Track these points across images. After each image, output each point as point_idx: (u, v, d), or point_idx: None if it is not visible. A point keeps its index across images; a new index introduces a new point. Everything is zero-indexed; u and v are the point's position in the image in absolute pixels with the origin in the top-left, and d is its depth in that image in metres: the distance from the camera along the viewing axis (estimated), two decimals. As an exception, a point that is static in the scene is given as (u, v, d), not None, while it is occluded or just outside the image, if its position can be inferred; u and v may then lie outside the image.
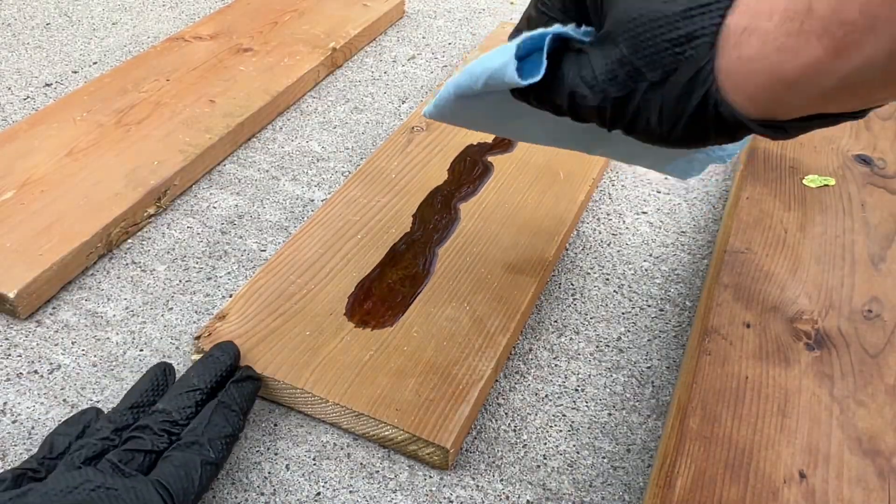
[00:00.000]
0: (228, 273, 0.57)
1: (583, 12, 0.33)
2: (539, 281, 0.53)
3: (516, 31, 0.35)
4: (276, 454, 0.45)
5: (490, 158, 0.64)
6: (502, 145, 0.66)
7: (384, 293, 0.51)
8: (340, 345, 0.47)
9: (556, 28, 0.32)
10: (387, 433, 0.44)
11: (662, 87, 0.29)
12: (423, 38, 0.89)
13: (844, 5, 0.24)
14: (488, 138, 0.66)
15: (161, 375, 0.43)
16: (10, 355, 0.50)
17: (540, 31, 0.32)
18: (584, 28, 0.32)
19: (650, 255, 0.60)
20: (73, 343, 0.51)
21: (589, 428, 0.47)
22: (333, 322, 0.49)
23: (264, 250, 0.59)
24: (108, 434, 0.39)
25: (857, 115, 0.30)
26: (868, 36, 0.24)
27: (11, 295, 0.50)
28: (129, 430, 0.39)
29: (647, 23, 0.29)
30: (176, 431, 0.39)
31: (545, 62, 0.32)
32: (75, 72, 0.80)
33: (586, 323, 0.54)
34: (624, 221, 0.63)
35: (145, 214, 0.60)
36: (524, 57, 0.32)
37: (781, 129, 0.29)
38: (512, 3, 0.81)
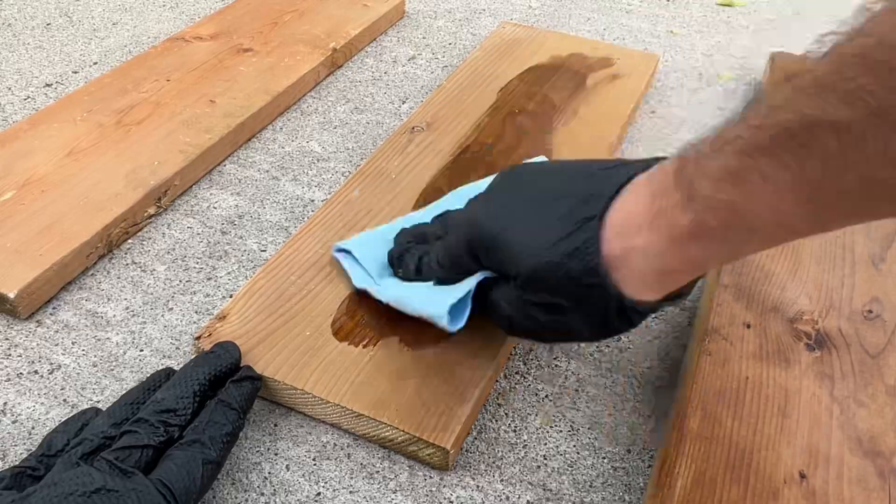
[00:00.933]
0: (228, 273, 0.57)
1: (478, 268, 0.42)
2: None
3: (436, 279, 0.45)
4: (276, 454, 0.45)
5: (490, 157, 0.64)
6: (502, 145, 0.66)
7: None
8: (340, 345, 0.47)
9: (477, 278, 0.41)
10: (387, 434, 0.44)
11: (581, 308, 0.37)
12: (423, 38, 0.89)
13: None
14: (488, 138, 0.66)
15: (164, 378, 0.43)
16: (10, 355, 0.50)
17: (465, 291, 0.41)
18: (489, 274, 0.41)
19: (650, 256, 0.60)
20: (73, 343, 0.51)
21: (589, 428, 0.47)
22: (334, 323, 0.49)
23: (264, 250, 0.59)
24: (106, 429, 0.38)
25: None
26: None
27: (11, 295, 0.50)
28: (126, 424, 0.39)
29: (548, 272, 0.36)
30: (174, 423, 0.39)
31: (466, 317, 0.42)
32: (76, 72, 0.80)
33: (586, 323, 0.54)
34: (624, 222, 0.63)
35: (145, 214, 0.60)
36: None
37: (679, 296, 0.38)
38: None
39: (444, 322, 0.42)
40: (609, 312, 0.37)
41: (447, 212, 0.50)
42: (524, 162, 0.53)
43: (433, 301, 0.43)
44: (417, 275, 0.46)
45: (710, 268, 0.36)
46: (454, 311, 0.42)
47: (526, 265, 0.37)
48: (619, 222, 0.35)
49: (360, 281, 0.49)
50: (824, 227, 0.32)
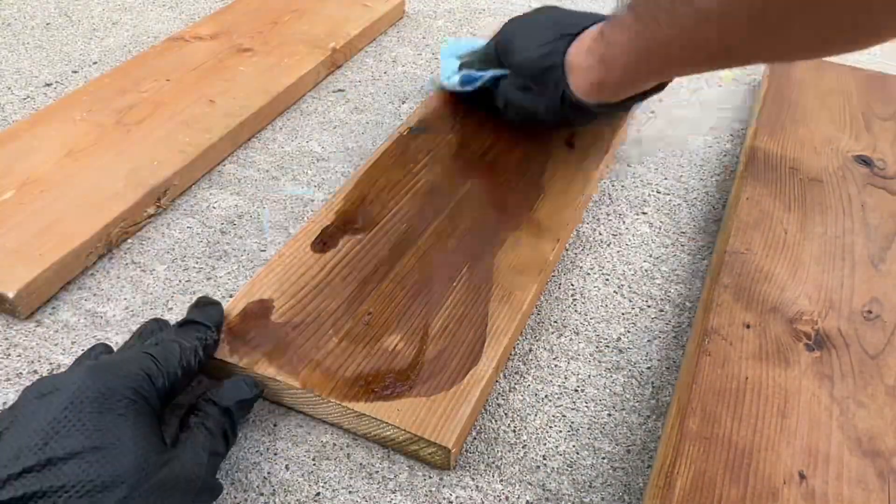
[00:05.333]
0: (228, 273, 0.57)
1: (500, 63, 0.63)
2: (539, 281, 0.53)
3: (466, 65, 0.68)
4: (275, 454, 0.45)
5: (489, 157, 0.64)
6: (501, 145, 0.66)
7: (385, 293, 0.51)
8: (341, 345, 0.47)
9: (494, 72, 0.63)
10: (388, 433, 0.44)
11: (543, 93, 0.58)
12: (423, 38, 0.89)
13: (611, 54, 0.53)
14: (488, 138, 0.66)
15: (156, 328, 0.47)
16: (9, 355, 0.50)
17: (489, 73, 0.64)
18: (502, 70, 0.63)
19: (650, 256, 0.60)
20: (72, 343, 0.51)
21: (589, 428, 0.47)
22: (335, 322, 0.49)
23: (264, 250, 0.59)
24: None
25: (641, 96, 0.57)
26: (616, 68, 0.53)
27: (11, 295, 0.50)
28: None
29: (528, 64, 0.59)
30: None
31: (478, 84, 0.65)
32: (75, 72, 0.80)
33: (586, 323, 0.54)
34: (624, 222, 0.63)
35: (145, 214, 0.60)
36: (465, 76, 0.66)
37: (614, 107, 0.57)
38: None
39: (454, 81, 0.67)
40: (561, 100, 0.57)
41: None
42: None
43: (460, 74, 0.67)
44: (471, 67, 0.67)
45: (616, 85, 0.54)
46: (467, 80, 0.66)
47: (518, 56, 0.60)
48: (577, 45, 0.56)
49: (444, 76, 0.70)
50: (658, 70, 0.52)
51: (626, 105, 0.57)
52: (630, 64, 0.51)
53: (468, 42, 0.72)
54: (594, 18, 0.57)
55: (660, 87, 0.57)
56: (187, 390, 0.44)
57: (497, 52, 0.63)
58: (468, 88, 0.65)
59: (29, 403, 0.36)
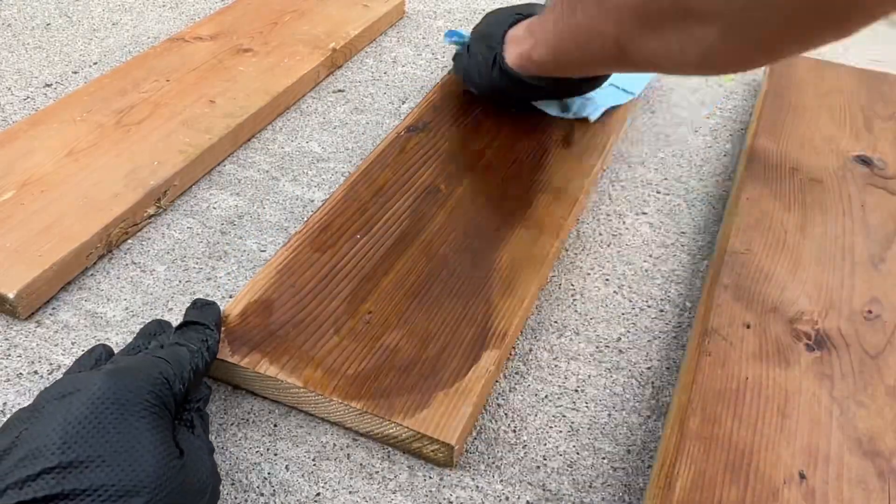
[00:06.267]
0: (228, 274, 0.57)
1: None
2: (539, 278, 0.53)
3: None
4: (275, 455, 0.45)
5: (488, 156, 0.64)
6: (499, 143, 0.66)
7: (385, 292, 0.51)
8: (343, 343, 0.47)
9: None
10: (391, 431, 0.44)
11: (484, 60, 0.65)
12: (423, 38, 0.89)
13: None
14: (486, 137, 0.66)
15: (157, 329, 0.47)
16: (9, 356, 0.50)
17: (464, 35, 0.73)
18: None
19: (650, 256, 0.60)
20: (72, 343, 0.51)
21: (589, 429, 0.47)
22: (335, 321, 0.49)
23: (264, 251, 0.59)
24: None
25: (576, 84, 0.65)
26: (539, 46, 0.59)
27: (11, 295, 0.50)
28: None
29: (483, 31, 0.67)
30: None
31: (454, 38, 0.74)
32: (75, 72, 0.80)
33: (586, 324, 0.54)
34: (624, 222, 0.63)
35: (145, 215, 0.60)
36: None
37: (536, 84, 0.63)
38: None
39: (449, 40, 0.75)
40: (492, 64, 0.63)
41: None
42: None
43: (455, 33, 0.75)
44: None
45: (541, 61, 0.59)
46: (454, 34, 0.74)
47: (476, 28, 0.68)
48: (521, 23, 0.62)
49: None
50: (563, 63, 0.57)
51: (558, 90, 0.65)
52: (551, 42, 0.56)
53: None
54: (538, 8, 0.64)
55: (593, 82, 0.64)
56: None
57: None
58: (454, 39, 0.74)
59: (48, 404, 0.36)
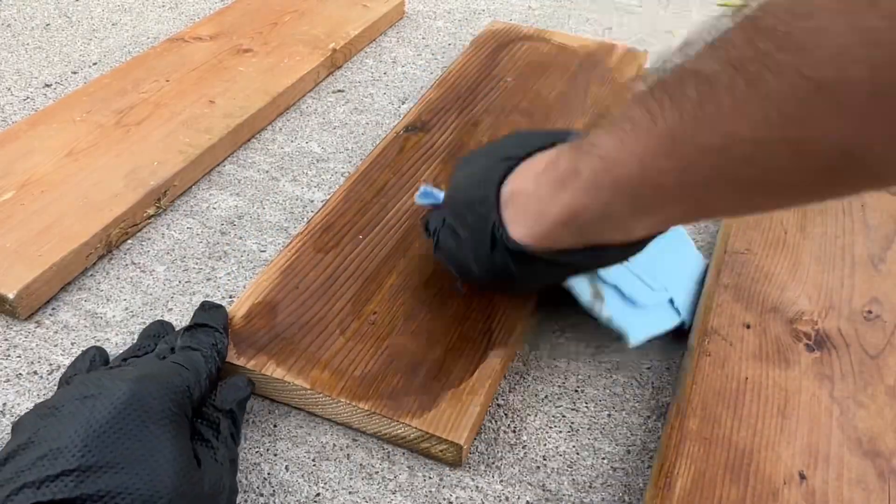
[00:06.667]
0: (228, 274, 0.56)
1: None
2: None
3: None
4: (275, 455, 0.45)
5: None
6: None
7: (389, 293, 0.51)
8: (348, 344, 0.47)
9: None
10: (399, 431, 0.44)
11: (473, 236, 0.42)
12: (423, 38, 0.89)
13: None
14: (484, 136, 0.66)
15: (160, 329, 0.47)
16: (9, 356, 0.50)
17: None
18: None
19: (650, 256, 0.60)
20: (72, 344, 0.51)
21: (589, 429, 0.47)
22: (341, 322, 0.49)
23: (264, 251, 0.59)
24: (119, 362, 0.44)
25: (625, 250, 0.39)
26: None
27: (11, 295, 0.50)
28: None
29: (462, 195, 0.43)
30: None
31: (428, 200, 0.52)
32: (75, 72, 0.80)
33: (586, 324, 0.54)
34: (624, 222, 0.63)
35: (145, 215, 0.60)
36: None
37: (565, 262, 0.40)
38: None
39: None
40: (490, 242, 0.41)
41: None
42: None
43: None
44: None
45: (581, 223, 0.37)
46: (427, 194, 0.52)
47: (448, 192, 0.46)
48: (519, 172, 0.41)
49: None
50: (693, 193, 0.32)
51: (596, 261, 0.41)
52: (643, 176, 0.33)
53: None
54: (557, 137, 0.42)
55: (633, 248, 0.40)
56: None
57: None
58: (430, 201, 0.52)
59: (69, 403, 0.36)
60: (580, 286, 0.49)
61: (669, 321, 0.50)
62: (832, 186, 0.29)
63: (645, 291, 0.50)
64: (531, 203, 0.38)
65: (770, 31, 0.26)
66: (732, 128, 0.28)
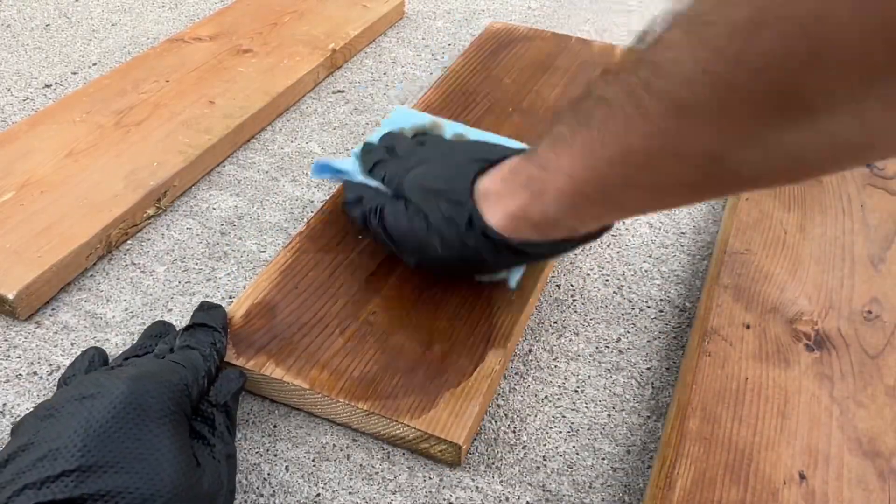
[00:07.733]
0: (228, 274, 0.57)
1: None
2: (542, 276, 0.53)
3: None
4: (275, 455, 0.45)
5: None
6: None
7: (388, 293, 0.51)
8: (347, 345, 0.47)
9: (373, 183, 0.52)
10: (398, 431, 0.44)
11: (444, 219, 0.45)
12: (423, 39, 0.89)
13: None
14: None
15: (162, 329, 0.47)
16: (9, 356, 0.50)
17: (372, 182, 0.52)
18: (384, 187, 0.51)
19: (650, 257, 0.60)
20: (72, 344, 0.51)
21: (589, 429, 0.47)
22: (340, 323, 0.49)
23: (264, 251, 0.59)
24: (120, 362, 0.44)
25: (581, 241, 0.45)
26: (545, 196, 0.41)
27: (11, 296, 0.50)
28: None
29: (424, 184, 0.48)
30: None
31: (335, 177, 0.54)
32: (75, 73, 0.80)
33: (586, 324, 0.54)
34: (623, 222, 0.63)
35: (145, 216, 0.60)
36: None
37: (530, 251, 0.44)
38: None
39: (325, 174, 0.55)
40: (468, 226, 0.45)
41: (425, 135, 0.59)
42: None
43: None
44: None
45: (535, 222, 0.43)
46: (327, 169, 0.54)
47: (416, 181, 0.48)
48: (490, 174, 0.45)
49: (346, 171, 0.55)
50: (612, 197, 0.39)
51: (555, 250, 0.46)
52: (568, 191, 0.39)
53: (418, 116, 0.64)
54: (513, 151, 0.47)
55: (598, 232, 0.45)
56: None
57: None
58: (325, 176, 0.55)
59: (68, 403, 0.36)
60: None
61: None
62: (713, 186, 0.35)
63: None
64: (500, 201, 0.44)
65: (648, 62, 0.33)
66: (627, 141, 0.34)
